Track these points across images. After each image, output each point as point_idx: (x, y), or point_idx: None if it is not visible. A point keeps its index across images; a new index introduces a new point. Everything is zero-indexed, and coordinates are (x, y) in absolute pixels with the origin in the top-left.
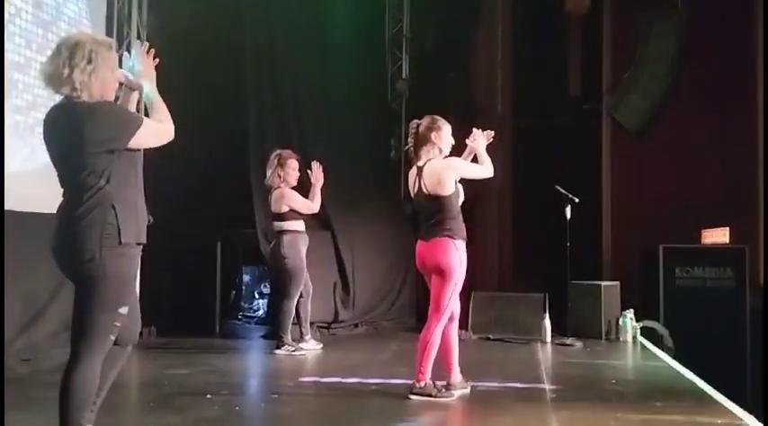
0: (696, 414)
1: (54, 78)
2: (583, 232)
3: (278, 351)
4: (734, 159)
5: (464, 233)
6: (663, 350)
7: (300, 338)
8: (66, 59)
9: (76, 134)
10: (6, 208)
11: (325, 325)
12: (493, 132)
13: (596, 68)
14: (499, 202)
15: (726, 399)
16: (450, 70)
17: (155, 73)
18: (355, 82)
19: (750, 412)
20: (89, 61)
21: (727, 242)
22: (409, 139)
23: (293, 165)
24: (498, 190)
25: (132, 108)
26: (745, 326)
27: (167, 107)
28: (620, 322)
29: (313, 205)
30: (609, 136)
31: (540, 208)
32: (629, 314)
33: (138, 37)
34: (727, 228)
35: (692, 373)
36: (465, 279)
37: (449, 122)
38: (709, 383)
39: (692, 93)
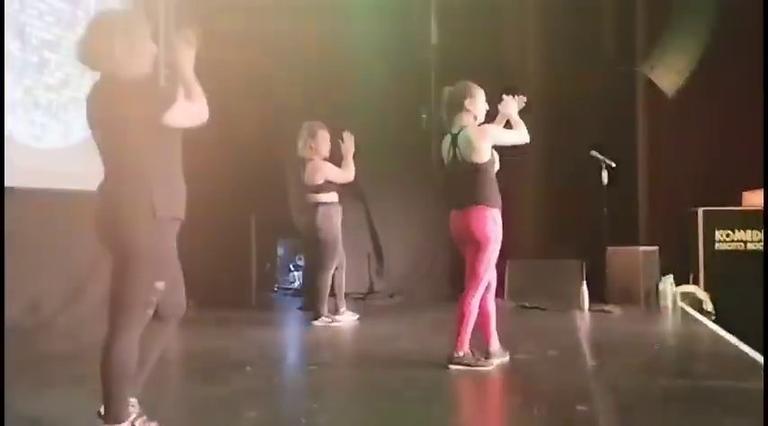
0: (741, 380)
1: (90, 55)
2: (619, 197)
3: (315, 323)
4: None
5: (500, 201)
6: (703, 314)
7: (336, 310)
8: (103, 36)
9: (114, 110)
10: (41, 186)
11: (361, 296)
12: (525, 97)
13: (631, 28)
14: (534, 169)
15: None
16: (481, 35)
17: (192, 52)
18: (383, 50)
19: None
20: (125, 36)
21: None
22: (442, 107)
23: (324, 136)
24: (535, 155)
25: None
26: None
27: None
28: (660, 287)
29: (348, 174)
30: (644, 97)
31: (575, 173)
32: (669, 279)
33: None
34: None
35: (733, 337)
36: (500, 248)
37: (481, 88)
38: (750, 347)
39: (730, 50)
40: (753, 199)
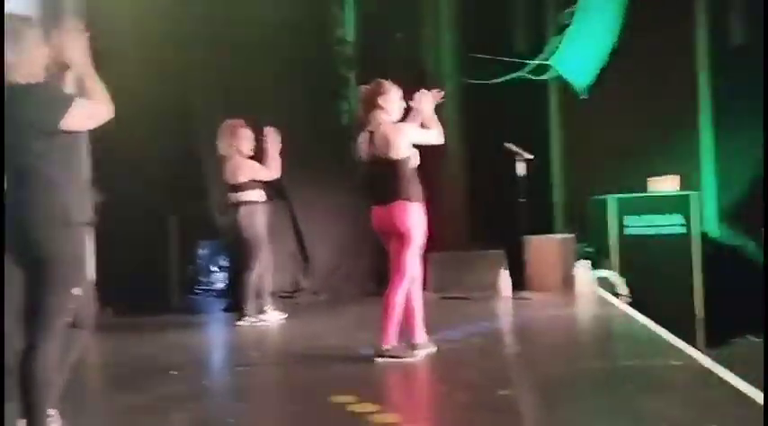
0: (652, 358)
1: None
2: (535, 187)
3: (240, 323)
4: (676, 110)
5: (420, 195)
6: (618, 298)
7: (261, 310)
8: None
9: (13, 117)
10: None
11: (287, 295)
12: (441, 91)
13: (542, 23)
14: (453, 162)
15: (680, 341)
16: (397, 31)
17: (86, 50)
18: (302, 48)
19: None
20: (13, 41)
21: (678, 189)
22: (358, 105)
23: (245, 134)
24: (452, 149)
25: (69, 87)
26: (693, 271)
27: (107, 86)
28: (576, 273)
29: (272, 171)
30: (556, 91)
31: (492, 166)
32: (584, 264)
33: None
34: (677, 176)
35: (646, 319)
36: (426, 241)
37: (398, 85)
38: (663, 327)
39: (636, 45)
40: (658, 184)
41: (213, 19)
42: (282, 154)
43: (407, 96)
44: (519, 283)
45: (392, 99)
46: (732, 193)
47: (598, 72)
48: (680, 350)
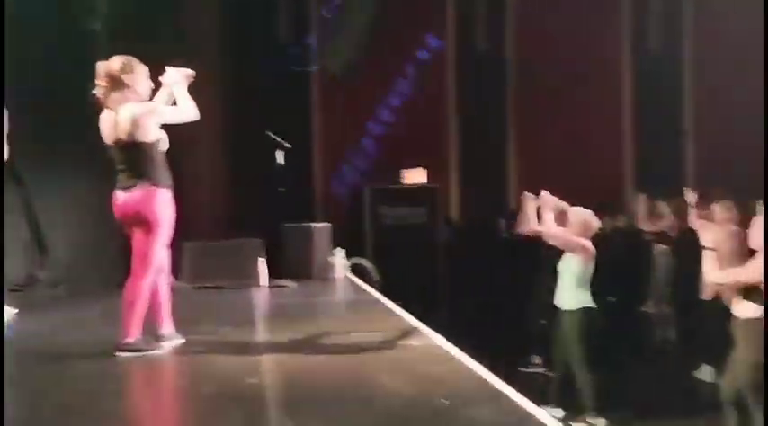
0: (396, 339)
1: None
2: (296, 176)
3: None
4: (430, 105)
5: (170, 181)
6: (370, 284)
7: None
8: None
9: None
10: None
11: (19, 288)
12: (192, 71)
13: (304, 13)
14: (211, 148)
15: (421, 323)
16: (156, 8)
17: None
18: (40, 20)
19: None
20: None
21: (425, 181)
22: (98, 82)
23: None
24: (210, 136)
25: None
26: (438, 258)
27: None
28: (331, 261)
29: None
30: (318, 81)
31: (253, 153)
32: (340, 252)
33: None
34: (425, 169)
35: (393, 303)
36: (176, 230)
37: (147, 62)
38: (412, 310)
39: (390, 38)
40: (411, 177)
41: None
42: (12, 135)
43: (158, 73)
44: (277, 271)
45: (139, 78)
46: (472, 186)
47: (355, 62)
48: (419, 331)
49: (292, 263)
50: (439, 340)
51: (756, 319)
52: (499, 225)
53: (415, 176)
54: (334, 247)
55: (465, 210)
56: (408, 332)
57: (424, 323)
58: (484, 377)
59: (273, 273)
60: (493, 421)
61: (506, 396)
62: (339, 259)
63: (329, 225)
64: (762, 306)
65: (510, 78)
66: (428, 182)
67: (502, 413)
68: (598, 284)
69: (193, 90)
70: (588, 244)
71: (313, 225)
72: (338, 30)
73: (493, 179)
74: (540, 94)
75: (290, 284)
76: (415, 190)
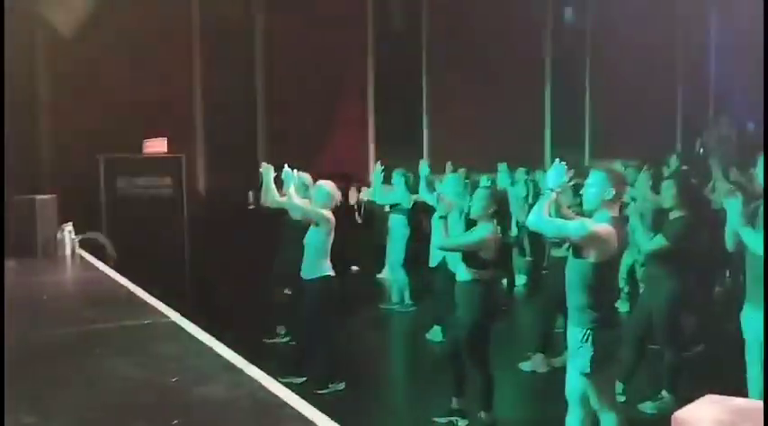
0: (126, 319)
1: None
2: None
3: None
4: (172, 74)
5: None
6: (104, 260)
7: None
8: None
9: None
10: None
11: None
12: None
13: None
14: None
15: (157, 301)
16: None
17: None
18: None
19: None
20: None
21: (166, 151)
22: None
23: None
24: None
25: None
26: (182, 231)
27: None
28: (58, 236)
29: None
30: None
31: None
32: (68, 227)
33: None
34: (165, 139)
35: (127, 280)
36: None
37: None
38: (151, 287)
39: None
40: (152, 146)
41: None
42: None
43: None
44: None
45: None
46: (218, 156)
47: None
48: (155, 309)
49: (14, 239)
50: (174, 316)
51: (472, 281)
52: (247, 197)
53: (157, 146)
54: (64, 222)
55: (213, 182)
56: (142, 310)
57: (164, 299)
58: (219, 351)
59: None
60: (226, 396)
61: (240, 370)
62: (66, 234)
63: (54, 197)
64: (475, 270)
65: (258, 59)
66: (172, 152)
67: (234, 387)
68: (341, 253)
69: None
70: (330, 215)
71: (36, 197)
72: None
73: (242, 150)
74: (287, 68)
75: (12, 265)
76: (158, 160)
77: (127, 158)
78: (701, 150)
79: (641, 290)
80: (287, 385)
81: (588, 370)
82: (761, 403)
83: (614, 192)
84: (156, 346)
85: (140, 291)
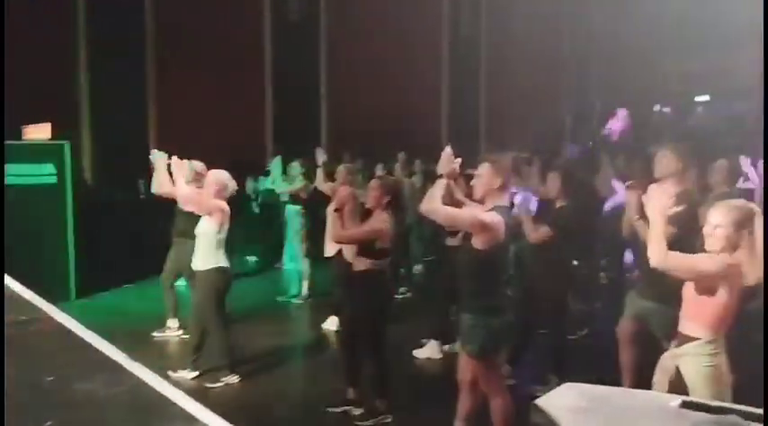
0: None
1: None
2: None
3: None
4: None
5: None
6: None
7: None
8: None
9: None
10: None
11: None
12: None
13: None
14: None
15: (36, 296)
16: None
17: None
18: None
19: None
20: None
21: (49, 137)
22: None
23: None
24: None
25: None
26: (67, 221)
27: None
28: None
29: None
30: None
31: None
32: None
33: None
34: (49, 124)
35: (6, 276)
36: None
37: None
38: (32, 282)
39: None
40: (33, 132)
41: None
42: None
43: None
44: None
45: None
46: (107, 143)
47: None
48: (31, 305)
49: None
50: (54, 313)
51: (369, 270)
52: (138, 185)
53: (39, 132)
54: None
55: (102, 170)
56: (19, 307)
57: (45, 295)
58: (100, 348)
59: None
60: (105, 393)
61: (122, 366)
62: None
63: None
64: (371, 260)
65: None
66: (57, 139)
67: (114, 385)
68: (237, 244)
69: None
70: (224, 204)
71: None
72: None
73: (132, 138)
74: (182, 55)
75: None
76: (40, 146)
77: (8, 145)
78: (591, 143)
79: (528, 277)
80: (178, 380)
81: (478, 354)
82: (619, 389)
83: (501, 182)
84: (34, 343)
85: (18, 286)
